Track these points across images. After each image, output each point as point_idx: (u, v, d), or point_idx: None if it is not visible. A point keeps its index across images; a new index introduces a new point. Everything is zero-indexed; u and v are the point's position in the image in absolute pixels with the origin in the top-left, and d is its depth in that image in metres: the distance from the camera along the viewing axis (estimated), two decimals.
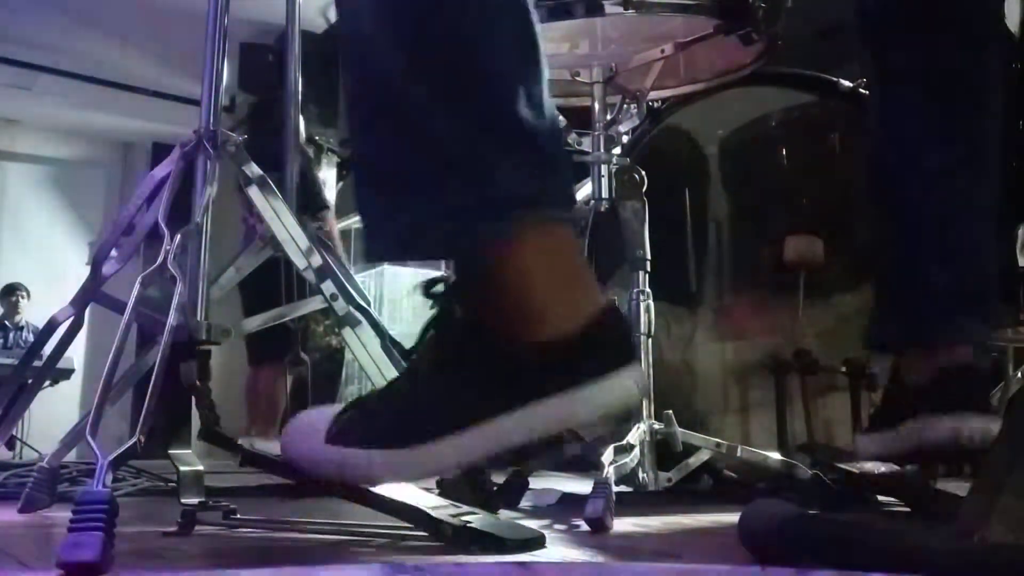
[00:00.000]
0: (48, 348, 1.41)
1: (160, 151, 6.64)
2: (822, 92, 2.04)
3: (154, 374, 1.03)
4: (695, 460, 1.59)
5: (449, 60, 0.88)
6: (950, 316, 1.28)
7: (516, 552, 0.89)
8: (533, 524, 1.09)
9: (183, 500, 1.07)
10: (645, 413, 1.54)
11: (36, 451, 3.88)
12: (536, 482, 1.55)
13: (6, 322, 6.60)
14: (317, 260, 1.35)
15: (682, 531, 1.23)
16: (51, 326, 1.36)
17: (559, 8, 1.52)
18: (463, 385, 0.87)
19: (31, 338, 6.23)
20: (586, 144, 1.74)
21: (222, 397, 1.25)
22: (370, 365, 1.34)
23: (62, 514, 0.94)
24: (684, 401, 1.92)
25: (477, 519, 0.95)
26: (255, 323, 1.58)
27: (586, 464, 1.52)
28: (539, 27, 0.91)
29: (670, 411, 1.57)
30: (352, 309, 1.34)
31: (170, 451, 1.16)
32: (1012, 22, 1.44)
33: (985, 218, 1.32)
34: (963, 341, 1.28)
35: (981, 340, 1.32)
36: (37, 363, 1.46)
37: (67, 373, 5.14)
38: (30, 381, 1.40)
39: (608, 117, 1.74)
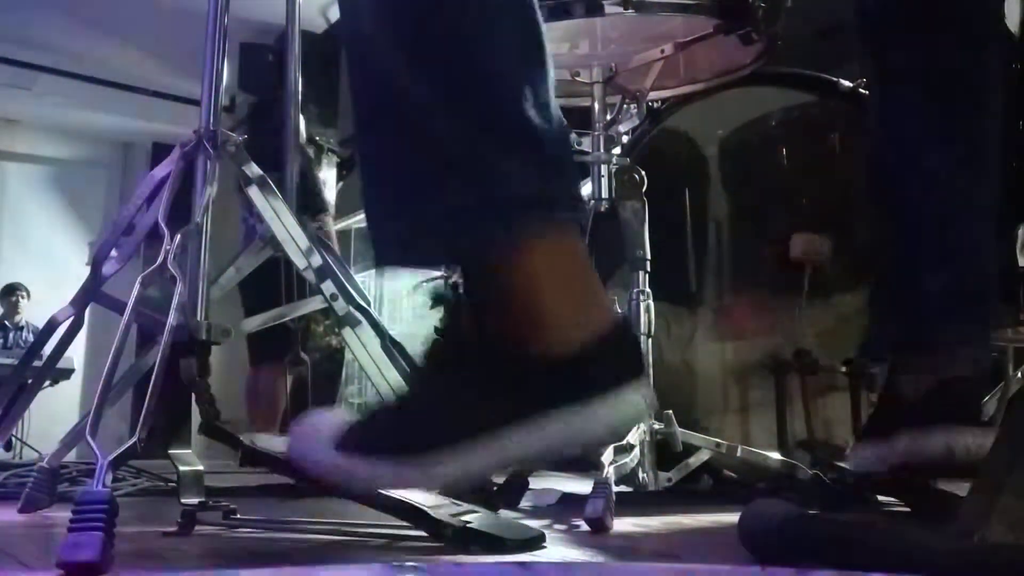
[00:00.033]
0: (48, 348, 1.41)
1: (160, 151, 6.64)
2: (822, 92, 2.04)
3: (154, 374, 1.03)
4: (695, 460, 1.59)
5: (449, 59, 0.87)
6: (947, 328, 1.28)
7: (516, 552, 0.89)
8: (533, 524, 1.09)
9: (183, 500, 1.07)
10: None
11: (36, 451, 3.88)
12: (536, 482, 1.55)
13: (6, 322, 6.60)
14: (317, 260, 1.35)
15: (682, 531, 1.23)
16: (51, 326, 1.36)
17: (559, 8, 1.52)
18: (470, 397, 0.86)
19: (31, 338, 6.23)
20: (586, 144, 1.74)
21: (222, 397, 1.25)
22: (370, 365, 1.34)
23: (62, 514, 0.94)
24: (684, 401, 1.92)
25: (477, 519, 0.95)
26: (255, 323, 1.59)
27: (586, 464, 1.52)
28: (544, 28, 0.90)
29: (670, 411, 1.57)
30: (352, 309, 1.34)
31: (170, 451, 1.16)
32: (1012, 22, 1.44)
33: (985, 218, 1.32)
34: (958, 356, 1.28)
35: (977, 356, 1.32)
36: (37, 363, 1.46)
37: (67, 373, 5.14)
38: (30, 381, 1.40)
39: (608, 117, 1.74)
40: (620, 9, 1.51)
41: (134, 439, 0.93)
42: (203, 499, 1.08)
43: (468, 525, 0.92)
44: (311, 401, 3.41)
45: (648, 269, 1.59)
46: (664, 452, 1.57)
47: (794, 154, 2.09)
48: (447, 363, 0.91)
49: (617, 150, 1.78)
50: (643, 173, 1.65)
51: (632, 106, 1.74)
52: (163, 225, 1.19)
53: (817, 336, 1.93)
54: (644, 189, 1.63)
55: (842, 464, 1.50)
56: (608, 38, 1.72)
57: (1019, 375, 1.74)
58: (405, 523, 0.98)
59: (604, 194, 1.69)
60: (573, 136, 1.74)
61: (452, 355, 0.90)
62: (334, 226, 3.73)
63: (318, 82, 4.12)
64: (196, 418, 1.18)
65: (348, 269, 1.46)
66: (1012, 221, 1.52)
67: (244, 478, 1.55)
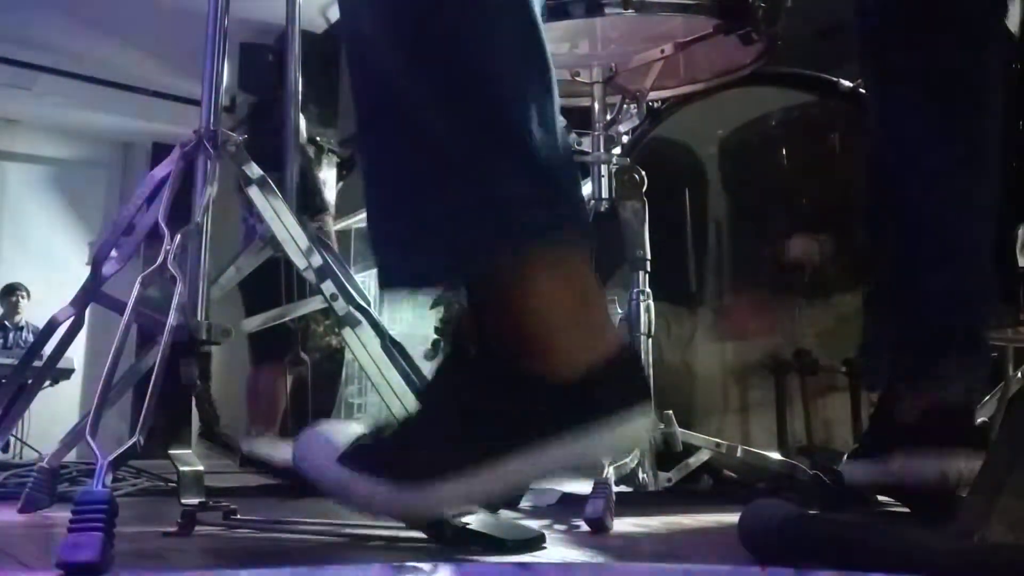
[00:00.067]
0: (48, 348, 1.41)
1: (160, 151, 6.63)
2: (822, 92, 2.04)
3: (154, 374, 1.03)
4: (695, 460, 1.59)
5: (448, 60, 0.87)
6: (946, 334, 1.28)
7: (516, 552, 0.89)
8: (533, 524, 1.09)
9: (183, 500, 1.07)
10: None
11: (36, 451, 3.87)
12: (536, 482, 1.55)
13: (6, 322, 6.60)
14: (317, 260, 1.35)
15: (682, 531, 1.23)
16: (51, 326, 1.36)
17: (559, 8, 1.52)
18: (473, 422, 0.86)
19: (31, 338, 6.23)
20: (586, 144, 1.74)
21: (222, 397, 1.26)
22: (370, 365, 1.34)
23: (62, 514, 0.94)
24: (684, 401, 1.92)
25: (477, 519, 0.95)
26: (255, 323, 1.59)
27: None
28: (544, 31, 0.90)
29: (670, 411, 1.57)
30: (352, 309, 1.34)
31: (170, 451, 1.16)
32: (1012, 22, 1.44)
33: (985, 218, 1.32)
34: (956, 370, 1.28)
35: (975, 365, 1.32)
36: (37, 363, 1.46)
37: (67, 373, 5.14)
38: (30, 381, 1.40)
39: (608, 117, 1.74)
40: (620, 9, 1.51)
41: (134, 439, 0.93)
42: (203, 499, 1.08)
43: (468, 526, 0.92)
44: (311, 401, 3.41)
45: (648, 269, 1.59)
46: (664, 452, 1.57)
47: (794, 154, 2.09)
48: (451, 391, 0.90)
49: (617, 150, 1.78)
50: (643, 173, 1.65)
51: (632, 106, 1.74)
52: (163, 225, 1.19)
53: (817, 336, 1.93)
54: (644, 189, 1.63)
55: (841, 468, 1.49)
56: (608, 38, 1.72)
57: (1019, 375, 1.74)
58: (405, 524, 0.98)
59: (604, 194, 1.69)
60: (573, 136, 1.74)
61: (457, 384, 0.90)
62: (334, 226, 3.73)
63: (318, 82, 4.12)
64: (196, 420, 1.18)
65: (348, 269, 1.46)
66: (1012, 221, 1.52)
67: (244, 478, 1.55)
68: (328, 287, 1.34)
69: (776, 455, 1.69)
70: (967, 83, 1.32)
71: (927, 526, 0.93)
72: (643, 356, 1.55)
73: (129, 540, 0.94)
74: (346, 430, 0.92)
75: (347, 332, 1.34)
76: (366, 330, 1.34)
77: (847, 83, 1.97)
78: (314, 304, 1.44)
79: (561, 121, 0.90)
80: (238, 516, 1.09)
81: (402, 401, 1.32)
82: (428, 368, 1.38)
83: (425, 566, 0.74)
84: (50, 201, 7.82)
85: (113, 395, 1.17)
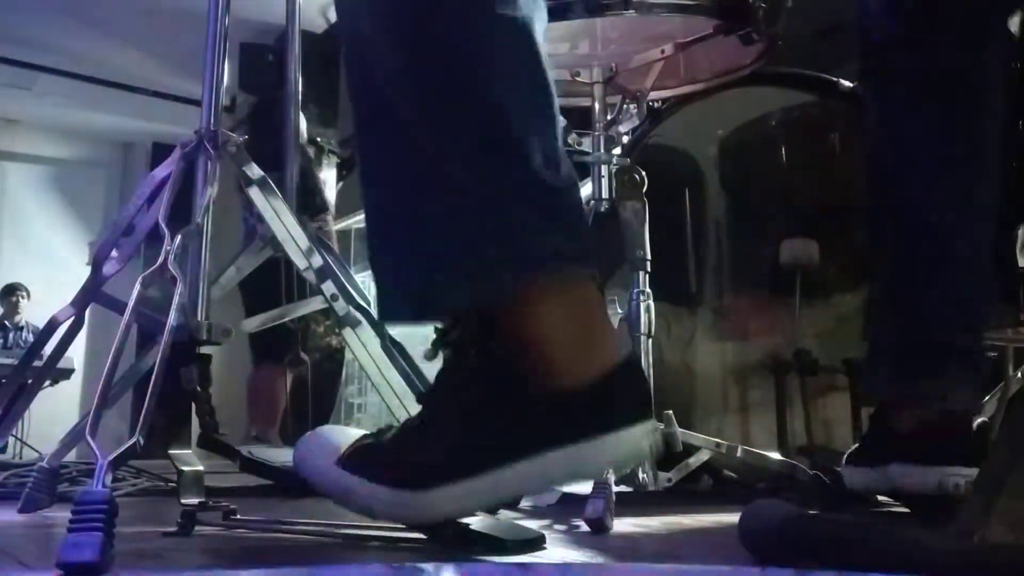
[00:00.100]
0: (48, 348, 1.41)
1: (160, 151, 6.63)
2: (822, 92, 2.04)
3: (154, 374, 1.03)
4: (695, 460, 1.59)
5: (448, 61, 0.87)
6: (943, 351, 1.28)
7: (516, 553, 0.89)
8: (533, 524, 1.09)
9: (183, 500, 1.08)
10: None
11: (36, 451, 3.87)
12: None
13: (6, 322, 6.60)
14: (317, 260, 1.35)
15: (682, 531, 1.23)
16: (51, 326, 1.36)
17: (559, 8, 1.52)
18: (474, 432, 0.86)
19: (31, 338, 6.23)
20: (586, 144, 1.74)
21: (222, 397, 1.26)
22: (370, 365, 1.34)
23: (62, 514, 0.94)
24: (684, 401, 1.92)
25: (477, 520, 0.95)
26: (255, 323, 1.59)
27: None
28: (542, 38, 0.90)
29: (670, 411, 1.57)
30: (352, 309, 1.34)
31: (170, 451, 1.16)
32: (1012, 22, 1.44)
33: (985, 218, 1.32)
34: (953, 390, 1.28)
35: (971, 388, 1.32)
36: (37, 363, 1.46)
37: (67, 373, 5.13)
38: (30, 381, 1.40)
39: (608, 117, 1.74)
40: (620, 9, 1.51)
41: (134, 439, 0.93)
42: (203, 499, 1.08)
43: (468, 526, 0.92)
44: (311, 401, 3.41)
45: (648, 269, 1.59)
46: (664, 452, 1.57)
47: (794, 154, 2.09)
48: (452, 400, 0.90)
49: (617, 150, 1.78)
50: (643, 173, 1.65)
51: (632, 106, 1.74)
52: (163, 225, 1.19)
53: (817, 336, 1.93)
54: (644, 189, 1.63)
55: (840, 470, 1.50)
56: (608, 38, 1.72)
57: (1019, 375, 1.74)
58: (404, 524, 0.98)
59: (604, 194, 1.69)
60: (573, 136, 1.74)
61: (457, 393, 0.90)
62: (334, 226, 3.73)
63: (318, 82, 4.11)
64: (196, 425, 1.18)
65: (348, 269, 1.46)
66: (1012, 221, 1.52)
67: (244, 478, 1.55)
68: (328, 287, 1.34)
69: (776, 455, 1.68)
70: (967, 83, 1.32)
71: (927, 526, 0.93)
72: (643, 356, 1.55)
73: (129, 540, 0.94)
74: (347, 433, 0.93)
75: (347, 332, 1.34)
76: (366, 330, 1.34)
77: (847, 83, 1.97)
78: (314, 304, 1.44)
79: (562, 121, 0.90)
80: (238, 516, 1.09)
81: (402, 401, 1.33)
82: (428, 368, 1.38)
83: (425, 566, 0.74)
84: (50, 201, 7.82)
85: (113, 395, 1.17)
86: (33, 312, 6.53)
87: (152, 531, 1.04)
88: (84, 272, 1.37)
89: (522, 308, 0.86)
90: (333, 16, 4.64)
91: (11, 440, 4.78)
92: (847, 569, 0.68)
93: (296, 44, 1.71)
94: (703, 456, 1.59)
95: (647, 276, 1.59)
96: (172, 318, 1.09)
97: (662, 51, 1.67)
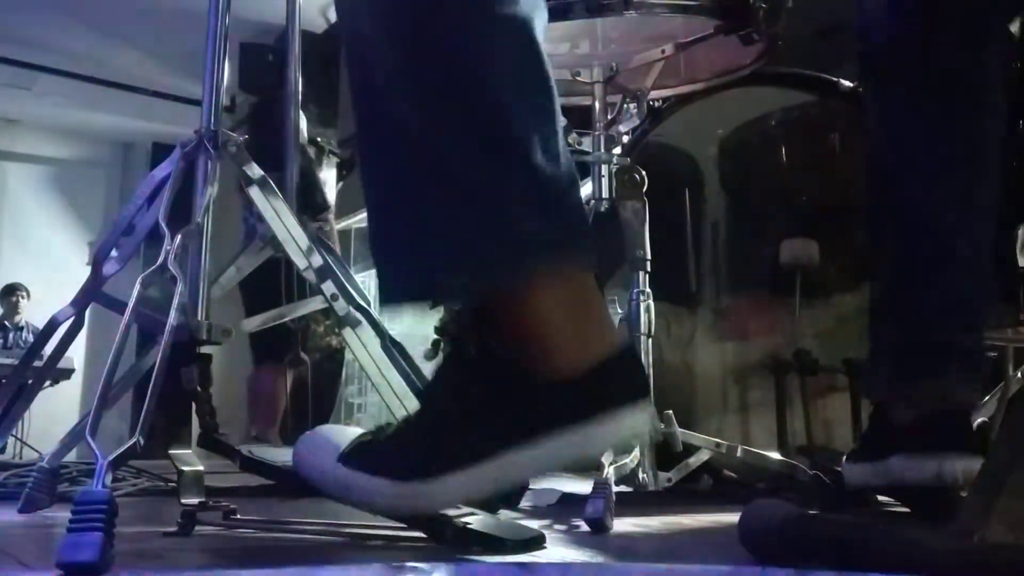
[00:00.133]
0: (48, 348, 1.41)
1: (160, 151, 6.63)
2: (822, 92, 2.04)
3: (154, 374, 1.03)
4: (695, 460, 1.59)
5: (448, 60, 0.87)
6: (946, 337, 1.28)
7: (516, 552, 0.89)
8: (533, 524, 1.09)
9: (183, 500, 1.07)
10: None
11: (36, 451, 3.87)
12: (536, 482, 1.55)
13: (6, 322, 6.60)
14: (317, 260, 1.35)
15: (682, 531, 1.23)
16: (51, 326, 1.36)
17: (560, 8, 1.52)
18: (473, 420, 0.87)
19: (31, 338, 6.23)
20: (586, 144, 1.74)
21: (222, 397, 1.25)
22: (370, 365, 1.34)
23: (62, 514, 0.94)
24: (684, 401, 1.92)
25: (477, 519, 0.95)
26: (255, 323, 1.59)
27: (586, 464, 1.52)
28: (542, 36, 0.90)
29: (670, 411, 1.57)
30: (352, 309, 1.34)
31: (170, 451, 1.16)
32: (1012, 22, 1.44)
33: (985, 218, 1.32)
34: (956, 375, 1.28)
35: (974, 367, 1.32)
36: (37, 363, 1.46)
37: (67, 373, 5.13)
38: (30, 381, 1.40)
39: (608, 117, 1.74)
40: (621, 10, 1.51)
41: (134, 439, 0.93)
42: (203, 499, 1.08)
43: (468, 526, 0.92)
44: (311, 401, 3.41)
45: (648, 269, 1.59)
46: (664, 452, 1.57)
47: (794, 154, 2.09)
48: (451, 390, 0.90)
49: (617, 150, 1.78)
50: (643, 173, 1.65)
51: (632, 106, 1.74)
52: (163, 225, 1.19)
53: (817, 336, 1.93)
54: (644, 189, 1.63)
55: (841, 469, 1.50)
56: (608, 38, 1.72)
57: (1019, 375, 1.74)
58: (404, 524, 0.98)
59: (604, 194, 1.69)
60: (573, 136, 1.74)
61: (456, 383, 0.90)
62: (336, 225, 3.73)
63: (318, 82, 4.11)
64: (196, 425, 1.18)
65: (348, 269, 1.46)
66: (1012, 221, 1.52)
67: (244, 478, 1.54)
68: (328, 287, 1.34)
69: (776, 455, 1.68)
70: (967, 83, 1.32)
71: (927, 526, 0.93)
72: (643, 356, 1.55)
73: (129, 540, 0.94)
74: (346, 432, 0.93)
75: (347, 332, 1.34)
76: (366, 330, 1.34)
77: (847, 83, 1.97)
78: (314, 304, 1.44)
79: (562, 121, 0.91)
80: (238, 516, 1.09)
81: (402, 401, 1.32)
82: (428, 368, 1.38)
83: (425, 566, 0.74)
84: (50, 201, 7.82)
85: (113, 395, 1.17)
86: (33, 312, 6.53)
87: (152, 531, 1.04)
88: (84, 272, 1.37)
89: (520, 298, 0.87)
90: (333, 16, 4.65)
91: (11, 440, 4.78)
92: (847, 569, 0.68)
93: (296, 44, 1.71)
94: (703, 456, 1.59)
95: (647, 276, 1.59)
96: (172, 318, 1.09)
97: (662, 51, 1.67)
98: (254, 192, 1.36)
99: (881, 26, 1.38)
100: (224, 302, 1.43)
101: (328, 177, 4.06)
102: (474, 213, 0.87)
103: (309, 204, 3.29)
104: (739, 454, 1.63)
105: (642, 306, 1.57)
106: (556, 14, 1.53)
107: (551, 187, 0.87)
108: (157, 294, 1.14)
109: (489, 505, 1.20)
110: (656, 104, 1.96)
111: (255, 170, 1.36)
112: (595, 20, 1.61)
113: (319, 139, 3.96)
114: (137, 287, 1.10)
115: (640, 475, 1.52)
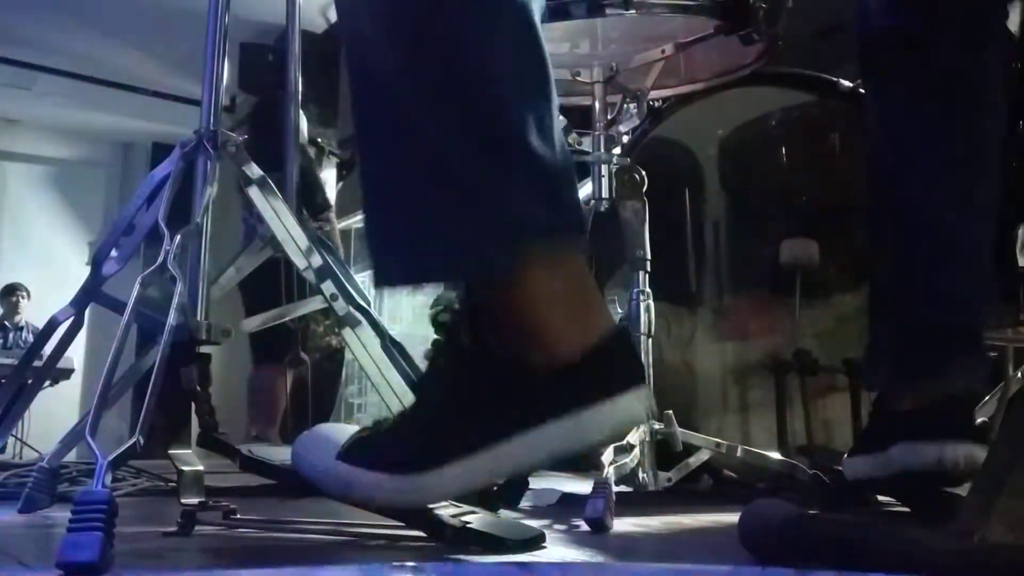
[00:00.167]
0: (48, 348, 1.41)
1: (160, 151, 6.63)
2: (822, 92, 2.04)
3: (154, 374, 1.03)
4: (695, 460, 1.59)
5: (448, 60, 0.87)
6: (946, 335, 1.28)
7: (516, 552, 0.89)
8: (533, 524, 1.09)
9: (183, 500, 1.07)
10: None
11: (36, 451, 3.87)
12: (536, 482, 1.55)
13: (6, 322, 6.60)
14: (317, 260, 1.35)
15: (682, 531, 1.23)
16: (51, 326, 1.36)
17: (560, 8, 1.52)
18: (469, 412, 0.87)
19: (31, 338, 6.22)
20: (586, 144, 1.74)
21: (222, 397, 1.25)
22: (370, 365, 1.34)
23: (62, 514, 0.94)
24: (684, 401, 1.92)
25: (477, 519, 0.95)
26: (255, 323, 1.59)
27: (586, 464, 1.52)
28: (542, 31, 0.90)
29: (670, 411, 1.57)
30: (352, 309, 1.34)
31: (170, 451, 1.16)
32: (1012, 22, 1.44)
33: (985, 218, 1.32)
34: (956, 369, 1.28)
35: (974, 364, 1.32)
36: (37, 363, 1.46)
37: (67, 373, 5.13)
38: (30, 381, 1.40)
39: (608, 116, 1.74)
40: (621, 9, 1.51)
41: (134, 439, 0.93)
42: (203, 499, 1.08)
43: (468, 525, 0.92)
44: (311, 401, 3.41)
45: (648, 269, 1.59)
46: (664, 452, 1.57)
47: (794, 154, 2.09)
48: (446, 381, 0.91)
49: (617, 150, 1.78)
50: (643, 173, 1.65)
51: (632, 106, 1.74)
52: (163, 225, 1.19)
53: (817, 336, 1.93)
54: (644, 189, 1.63)
55: (841, 468, 1.50)
56: (609, 38, 1.72)
57: (1019, 375, 1.74)
58: (404, 523, 0.98)
59: (604, 194, 1.69)
60: (573, 136, 1.74)
61: (451, 374, 0.90)
62: (337, 225, 3.73)
63: (318, 82, 4.11)
64: (196, 425, 1.18)
65: (348, 269, 1.46)
66: (1012, 221, 1.52)
67: (244, 478, 1.54)
68: (328, 287, 1.34)
69: (776, 455, 1.68)
70: (967, 83, 1.32)
71: (927, 526, 0.93)
72: (643, 356, 1.55)
73: (129, 540, 0.94)
74: (344, 430, 0.93)
75: (347, 332, 1.34)
76: (366, 330, 1.34)
77: (847, 83, 1.97)
78: (314, 304, 1.44)
79: (561, 120, 0.91)
80: (238, 516, 1.09)
81: (402, 401, 1.32)
82: None
83: (425, 566, 0.74)
84: (50, 201, 7.82)
85: (113, 395, 1.17)
86: (33, 312, 6.54)
87: (152, 531, 1.04)
88: (84, 272, 1.37)
89: (513, 283, 0.87)
90: (333, 16, 4.65)
91: (11, 440, 4.78)
92: (847, 569, 0.68)
93: (296, 44, 1.70)
94: (703, 456, 1.59)
95: (647, 276, 1.59)
96: (172, 318, 1.09)
97: (662, 51, 1.67)
98: (254, 192, 1.36)
99: (881, 26, 1.38)
100: (224, 302, 1.43)
101: (328, 177, 4.06)
102: (474, 212, 0.87)
103: (309, 204, 3.29)
104: (739, 454, 1.63)
105: (642, 306, 1.57)
106: (556, 14, 1.53)
107: (545, 168, 0.87)
108: (157, 294, 1.14)
109: (489, 504, 1.21)
110: (656, 104, 1.96)
111: (255, 170, 1.36)
112: (595, 20, 1.61)
113: (319, 139, 3.96)
114: (137, 287, 1.11)
115: (640, 475, 1.52)
